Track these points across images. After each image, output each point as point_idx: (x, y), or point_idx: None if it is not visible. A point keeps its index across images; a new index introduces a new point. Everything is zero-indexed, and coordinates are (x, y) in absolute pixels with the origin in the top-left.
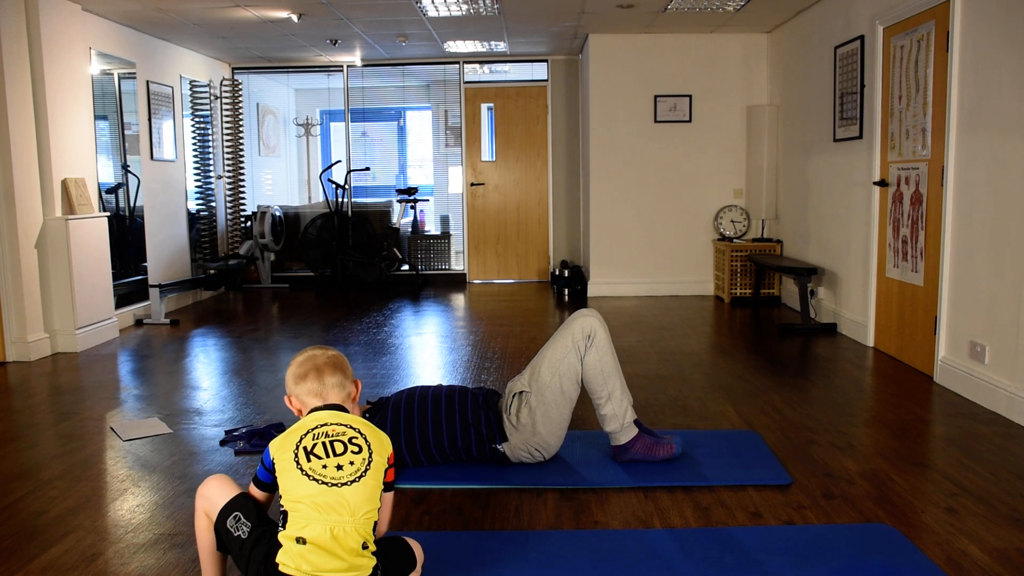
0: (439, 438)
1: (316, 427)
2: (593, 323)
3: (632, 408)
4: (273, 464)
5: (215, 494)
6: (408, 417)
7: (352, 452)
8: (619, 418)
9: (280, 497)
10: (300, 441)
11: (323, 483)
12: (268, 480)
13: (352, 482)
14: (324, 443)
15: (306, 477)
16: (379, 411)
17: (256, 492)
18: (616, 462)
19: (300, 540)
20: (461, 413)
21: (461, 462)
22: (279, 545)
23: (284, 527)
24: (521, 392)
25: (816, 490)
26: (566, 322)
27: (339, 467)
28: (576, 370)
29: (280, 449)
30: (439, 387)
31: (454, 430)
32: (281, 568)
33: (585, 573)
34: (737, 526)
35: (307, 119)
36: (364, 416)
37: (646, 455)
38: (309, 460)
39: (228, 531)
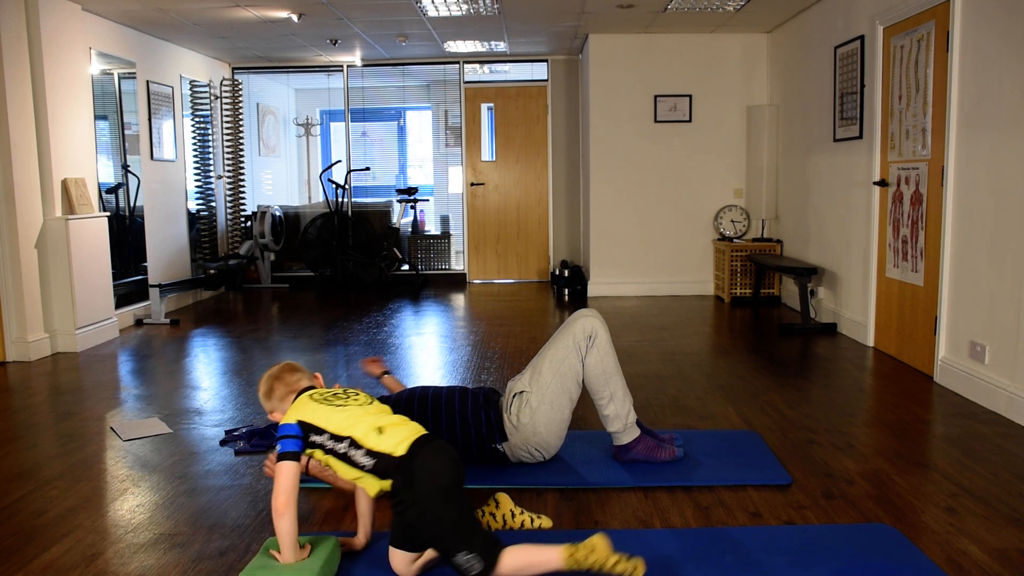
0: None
1: (315, 391)
2: (594, 323)
3: (633, 409)
4: (300, 427)
5: None
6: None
7: (358, 393)
8: (622, 418)
9: (329, 444)
10: (312, 398)
11: (354, 407)
12: (299, 448)
13: (367, 405)
14: (331, 395)
15: (340, 407)
16: None
17: (291, 469)
18: (617, 461)
19: (379, 429)
20: (461, 413)
21: None
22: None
23: (355, 447)
24: (522, 392)
25: (816, 490)
26: (567, 322)
27: (355, 401)
28: (577, 370)
29: (300, 412)
30: (439, 387)
31: (454, 430)
32: (385, 449)
33: (585, 573)
34: (737, 526)
35: (307, 119)
36: None
37: (648, 456)
38: (332, 402)
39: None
